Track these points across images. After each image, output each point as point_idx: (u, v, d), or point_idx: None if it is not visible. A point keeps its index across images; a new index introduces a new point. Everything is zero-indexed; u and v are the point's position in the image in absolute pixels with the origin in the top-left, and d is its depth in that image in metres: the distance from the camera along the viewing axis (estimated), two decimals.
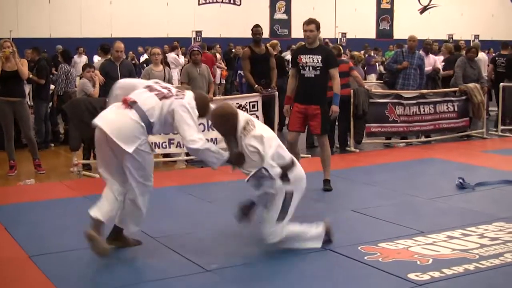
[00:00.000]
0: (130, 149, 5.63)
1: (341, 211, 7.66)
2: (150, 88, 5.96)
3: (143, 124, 5.71)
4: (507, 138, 14.14)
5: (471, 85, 13.45)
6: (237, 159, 5.98)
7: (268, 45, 12.50)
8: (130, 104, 5.73)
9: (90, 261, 5.76)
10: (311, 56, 8.56)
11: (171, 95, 5.88)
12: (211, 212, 7.81)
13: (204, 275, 5.52)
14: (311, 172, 8.78)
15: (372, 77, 20.94)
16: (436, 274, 5.46)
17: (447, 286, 5.29)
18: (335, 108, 8.81)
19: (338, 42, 28.69)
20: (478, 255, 6.00)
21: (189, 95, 5.99)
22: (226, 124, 6.07)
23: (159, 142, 10.44)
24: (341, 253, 6.05)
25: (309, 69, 8.56)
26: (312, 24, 8.53)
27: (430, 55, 14.58)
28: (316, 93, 8.63)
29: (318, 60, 8.54)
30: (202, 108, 6.07)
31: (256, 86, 11.37)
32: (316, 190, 8.37)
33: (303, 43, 9.18)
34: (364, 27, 32.84)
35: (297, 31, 29.00)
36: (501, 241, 6.42)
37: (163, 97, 5.85)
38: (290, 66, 9.15)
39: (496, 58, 15.92)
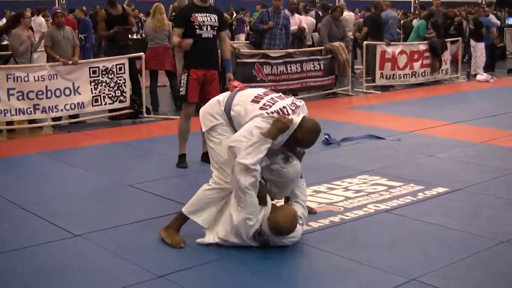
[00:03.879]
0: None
1: (209, 171, 7.69)
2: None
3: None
4: (370, 94, 14.61)
5: (336, 44, 13.74)
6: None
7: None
8: None
9: None
10: (207, 14, 7.73)
11: None
12: (79, 177, 7.68)
13: (72, 240, 5.44)
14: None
15: (241, 37, 21.07)
16: (303, 227, 5.61)
17: (313, 238, 5.44)
18: (231, 75, 8.02)
19: None
20: (343, 207, 6.23)
21: None
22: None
23: (23, 108, 10.15)
24: None
25: (207, 28, 7.70)
26: None
27: (296, 14, 14.78)
28: (214, 56, 8.02)
29: (215, 20, 7.77)
30: None
31: None
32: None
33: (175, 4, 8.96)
34: None
35: None
36: (364, 193, 6.68)
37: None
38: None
39: None
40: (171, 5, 13.58)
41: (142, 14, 26.51)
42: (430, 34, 16.11)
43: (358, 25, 17.96)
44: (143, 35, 12.91)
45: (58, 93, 10.48)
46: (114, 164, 8.27)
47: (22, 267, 4.90)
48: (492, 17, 19.40)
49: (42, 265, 4.93)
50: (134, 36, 22.02)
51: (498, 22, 19.91)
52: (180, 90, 7.88)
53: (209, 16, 7.74)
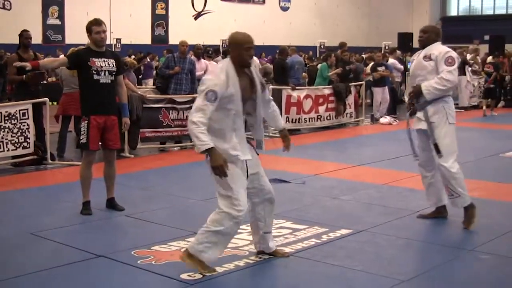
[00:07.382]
0: None
1: (114, 217, 7.64)
2: None
3: None
4: (276, 138, 14.71)
5: None
6: None
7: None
8: None
9: None
10: (104, 59, 7.61)
11: None
12: None
13: None
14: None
15: (149, 82, 21.05)
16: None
17: (218, 282, 5.46)
18: (128, 120, 8.22)
19: (113, 48, 28.48)
20: (248, 251, 6.26)
21: None
22: None
23: None
24: (115, 259, 6.04)
25: (105, 73, 7.57)
26: (103, 25, 7.72)
27: (202, 59, 14.93)
28: (114, 102, 7.82)
29: (113, 65, 7.66)
30: None
31: None
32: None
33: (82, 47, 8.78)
34: (140, 33, 32.81)
35: (71, 37, 28.45)
36: None
37: None
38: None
39: None
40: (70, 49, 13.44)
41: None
42: (332, 73, 16.50)
43: (264, 70, 18.22)
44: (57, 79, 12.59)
45: None
46: (16, 212, 8.04)
47: None
48: (395, 62, 20.03)
49: None
50: (49, 80, 21.81)
51: (401, 67, 20.55)
52: (81, 138, 7.70)
53: (106, 61, 7.64)
